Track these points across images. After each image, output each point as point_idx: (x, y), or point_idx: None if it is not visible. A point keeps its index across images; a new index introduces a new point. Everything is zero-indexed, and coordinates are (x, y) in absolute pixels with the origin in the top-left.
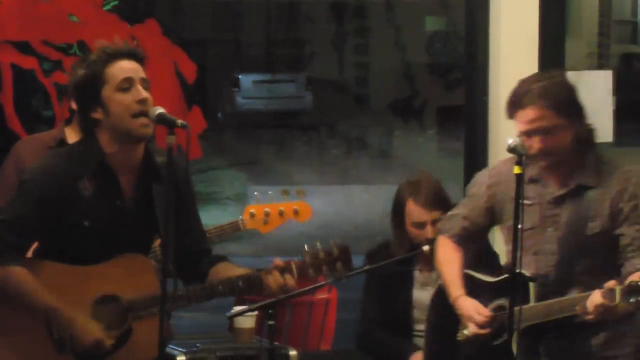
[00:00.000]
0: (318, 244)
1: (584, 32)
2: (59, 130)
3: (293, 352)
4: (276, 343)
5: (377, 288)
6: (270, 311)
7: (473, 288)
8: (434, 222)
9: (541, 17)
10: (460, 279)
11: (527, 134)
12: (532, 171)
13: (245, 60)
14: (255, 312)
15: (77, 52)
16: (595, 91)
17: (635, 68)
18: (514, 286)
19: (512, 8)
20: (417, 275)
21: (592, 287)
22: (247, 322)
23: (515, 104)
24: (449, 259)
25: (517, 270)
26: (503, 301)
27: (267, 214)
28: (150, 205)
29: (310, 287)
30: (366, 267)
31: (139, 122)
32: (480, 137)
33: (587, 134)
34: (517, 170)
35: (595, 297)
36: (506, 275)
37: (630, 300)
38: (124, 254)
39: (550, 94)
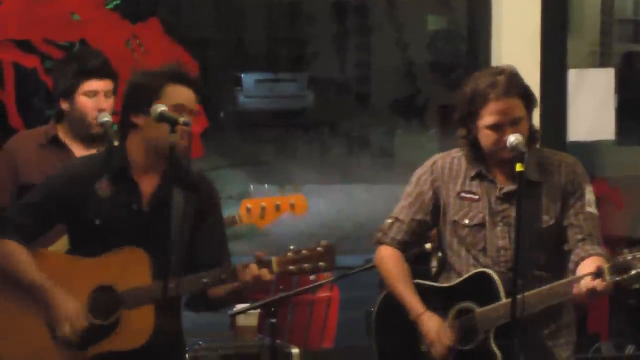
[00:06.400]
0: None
1: (586, 30)
2: (51, 126)
3: (295, 350)
4: (278, 341)
5: None
6: (272, 309)
7: (424, 296)
8: None
9: (543, 16)
10: (416, 293)
11: (498, 126)
12: (476, 167)
13: (247, 60)
14: (257, 310)
15: None
16: (598, 89)
17: (637, 66)
18: (481, 284)
19: (513, 6)
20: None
21: (546, 280)
22: (249, 320)
23: (482, 98)
24: (400, 273)
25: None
26: (466, 304)
27: (263, 209)
28: (166, 209)
29: (312, 285)
30: (368, 266)
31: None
32: None
33: (535, 131)
34: (519, 167)
35: (587, 281)
36: (465, 277)
37: (623, 277)
38: (123, 247)
39: (518, 84)
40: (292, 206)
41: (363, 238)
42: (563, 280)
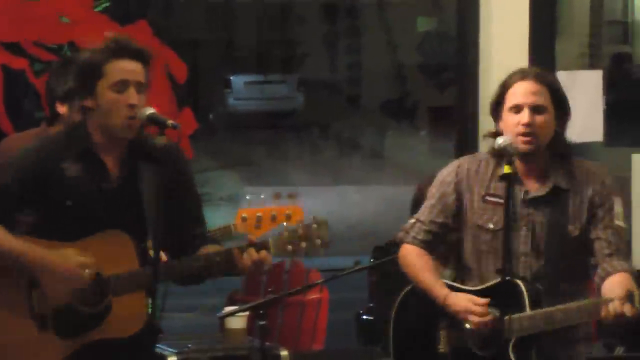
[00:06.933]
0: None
1: (575, 32)
2: (42, 129)
3: (284, 352)
4: (268, 343)
5: None
6: (261, 311)
7: None
8: None
9: (532, 17)
10: (440, 280)
11: (519, 107)
12: (504, 169)
13: (237, 61)
14: (247, 313)
15: (68, 53)
16: (586, 91)
17: (626, 68)
18: (506, 292)
19: (503, 8)
20: None
21: (567, 290)
22: (239, 322)
23: (508, 83)
24: (422, 266)
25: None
26: (492, 310)
27: (259, 219)
28: (136, 184)
29: (302, 287)
30: (357, 268)
31: (124, 122)
32: (472, 137)
33: (565, 139)
34: (507, 169)
35: (616, 305)
36: (494, 282)
37: None
38: (104, 230)
39: (547, 77)
40: (289, 217)
41: (354, 240)
42: (592, 300)
